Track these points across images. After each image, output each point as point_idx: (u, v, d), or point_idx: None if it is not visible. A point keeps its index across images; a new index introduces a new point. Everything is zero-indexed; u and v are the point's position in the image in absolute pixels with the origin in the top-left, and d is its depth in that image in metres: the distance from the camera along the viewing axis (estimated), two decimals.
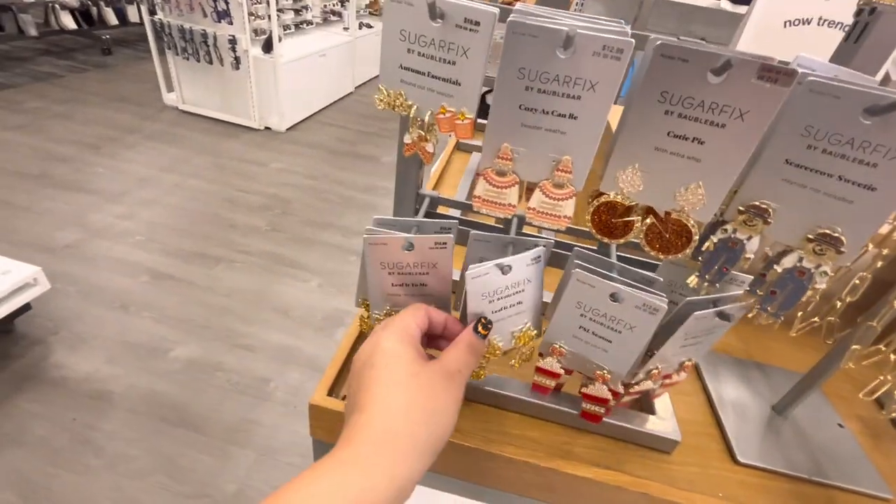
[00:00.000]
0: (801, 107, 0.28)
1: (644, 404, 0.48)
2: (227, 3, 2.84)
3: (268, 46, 3.11)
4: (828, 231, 0.30)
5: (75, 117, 3.08)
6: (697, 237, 0.34)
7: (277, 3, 3.17)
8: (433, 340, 0.38)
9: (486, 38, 0.29)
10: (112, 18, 4.29)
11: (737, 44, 0.69)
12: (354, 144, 3.37)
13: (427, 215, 0.49)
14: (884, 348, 0.43)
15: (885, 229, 0.47)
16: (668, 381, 0.44)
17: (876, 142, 0.27)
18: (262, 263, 2.11)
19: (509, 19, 0.28)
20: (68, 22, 3.96)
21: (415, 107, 0.33)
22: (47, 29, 3.96)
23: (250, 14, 2.94)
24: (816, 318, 0.51)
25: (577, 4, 2.89)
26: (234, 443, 1.41)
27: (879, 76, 0.36)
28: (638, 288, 0.35)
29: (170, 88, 3.37)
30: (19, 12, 3.65)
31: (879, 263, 0.46)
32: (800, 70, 0.29)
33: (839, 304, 0.48)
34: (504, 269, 0.36)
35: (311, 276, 2.09)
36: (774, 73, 0.26)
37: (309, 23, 3.90)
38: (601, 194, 0.34)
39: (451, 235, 0.35)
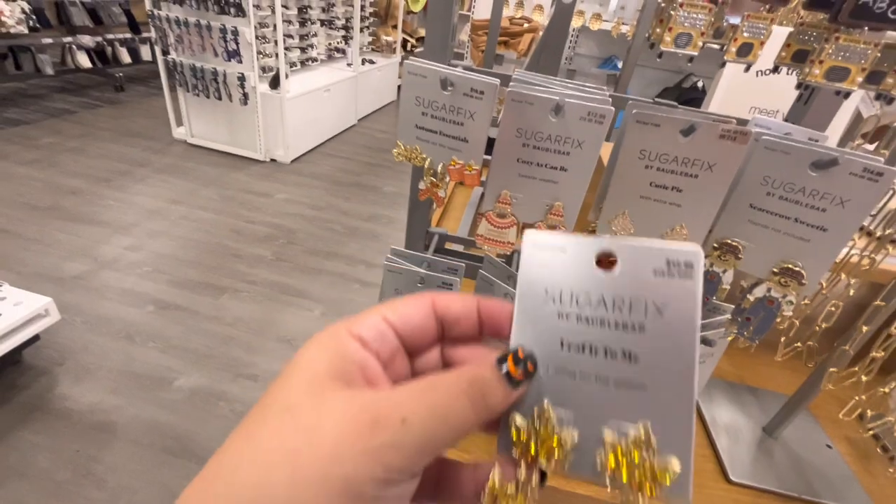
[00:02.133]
0: (758, 160, 0.32)
1: None
2: (237, 43, 2.99)
3: (275, 83, 3.25)
4: (790, 265, 0.34)
5: (88, 152, 3.18)
6: None
7: (285, 42, 3.33)
8: (463, 346, 0.21)
9: (490, 104, 0.34)
10: (126, 57, 4.49)
11: (715, 89, 0.76)
12: (358, 175, 3.46)
13: (437, 250, 0.53)
14: (857, 370, 0.46)
15: (855, 259, 0.51)
16: None
17: (823, 190, 0.31)
18: (267, 293, 2.14)
19: (509, 89, 0.33)
20: (84, 61, 4.14)
21: (429, 159, 0.38)
22: (63, 67, 4.13)
23: (259, 53, 3.09)
24: (799, 343, 0.54)
25: (571, 42, 3.04)
26: None
27: (831, 129, 0.41)
28: None
29: (179, 123, 3.49)
30: (38, 52, 3.83)
31: (852, 292, 0.50)
32: (755, 129, 0.34)
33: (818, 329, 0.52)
34: (601, 258, 0.19)
35: (314, 304, 2.12)
36: (733, 132, 0.31)
37: (314, 60, 4.07)
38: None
39: (458, 279, 0.39)
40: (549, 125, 0.33)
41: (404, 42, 5.32)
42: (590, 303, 0.19)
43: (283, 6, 3.30)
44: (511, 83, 0.34)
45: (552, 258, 0.20)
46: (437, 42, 0.39)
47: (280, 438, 0.17)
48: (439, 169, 0.37)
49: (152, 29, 3.11)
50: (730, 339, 0.39)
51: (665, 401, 0.17)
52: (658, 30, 0.37)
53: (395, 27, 5.11)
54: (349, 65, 4.35)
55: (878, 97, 0.34)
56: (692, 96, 2.67)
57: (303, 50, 3.93)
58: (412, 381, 0.18)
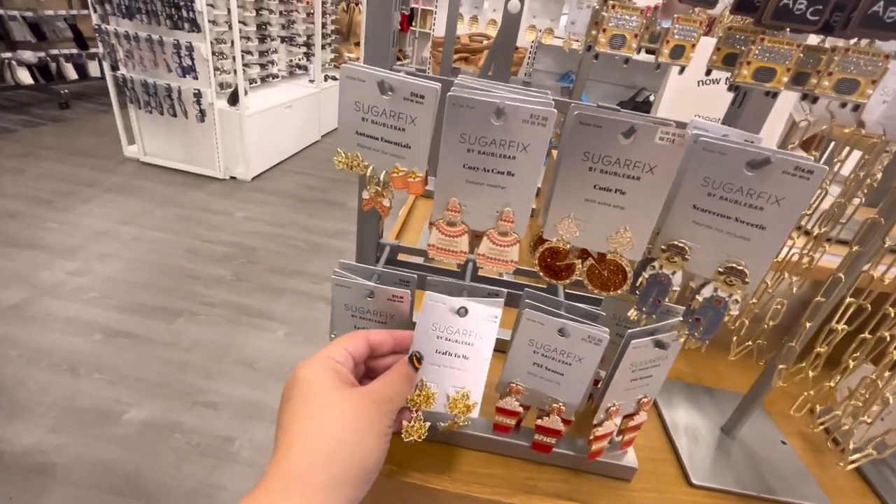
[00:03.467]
0: (698, 162, 0.33)
1: None
2: (192, 58, 2.90)
3: (233, 99, 3.17)
4: (734, 264, 0.34)
5: (28, 172, 2.98)
6: (632, 274, 0.38)
7: (243, 58, 3.26)
8: (382, 359, 0.37)
9: (431, 109, 0.33)
10: (72, 73, 4.27)
11: (660, 99, 0.79)
12: (322, 191, 3.40)
13: (389, 262, 0.52)
14: (804, 366, 0.48)
15: (796, 258, 0.53)
16: (630, 423, 0.46)
17: (759, 189, 0.32)
18: (227, 315, 2.04)
19: (449, 94, 0.32)
20: (25, 77, 3.91)
21: (371, 167, 0.36)
22: (1, 84, 3.89)
23: (216, 69, 3.01)
24: (750, 342, 0.55)
25: (529, 58, 3.13)
26: None
27: (764, 130, 0.42)
28: (582, 322, 0.38)
29: (131, 141, 3.34)
30: None
31: (795, 290, 0.52)
32: (693, 131, 0.34)
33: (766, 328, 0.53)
34: (460, 312, 0.37)
35: (277, 325, 2.04)
36: (671, 135, 0.31)
37: (275, 76, 4.01)
38: (545, 241, 0.38)
39: (408, 291, 0.37)
40: (492, 129, 0.33)
41: None
42: (449, 332, 0.37)
43: (240, 22, 3.24)
44: (452, 88, 0.33)
45: (439, 309, 0.37)
46: (378, 46, 0.38)
47: (336, 415, 0.29)
48: (382, 177, 0.36)
49: (100, 44, 2.98)
50: (682, 340, 0.39)
51: (473, 378, 0.38)
52: (594, 32, 0.38)
53: (357, 44, 5.13)
54: (311, 81, 4.31)
55: (803, 97, 0.35)
56: (645, 110, 2.79)
57: (263, 66, 3.86)
58: (378, 378, 0.33)
